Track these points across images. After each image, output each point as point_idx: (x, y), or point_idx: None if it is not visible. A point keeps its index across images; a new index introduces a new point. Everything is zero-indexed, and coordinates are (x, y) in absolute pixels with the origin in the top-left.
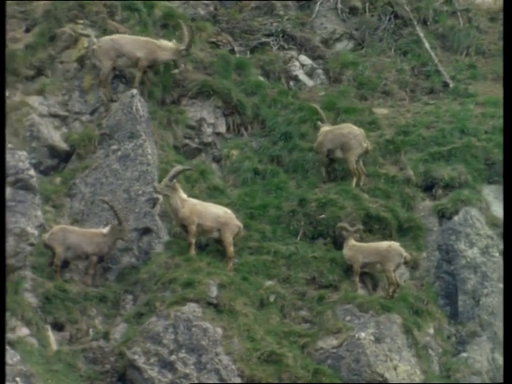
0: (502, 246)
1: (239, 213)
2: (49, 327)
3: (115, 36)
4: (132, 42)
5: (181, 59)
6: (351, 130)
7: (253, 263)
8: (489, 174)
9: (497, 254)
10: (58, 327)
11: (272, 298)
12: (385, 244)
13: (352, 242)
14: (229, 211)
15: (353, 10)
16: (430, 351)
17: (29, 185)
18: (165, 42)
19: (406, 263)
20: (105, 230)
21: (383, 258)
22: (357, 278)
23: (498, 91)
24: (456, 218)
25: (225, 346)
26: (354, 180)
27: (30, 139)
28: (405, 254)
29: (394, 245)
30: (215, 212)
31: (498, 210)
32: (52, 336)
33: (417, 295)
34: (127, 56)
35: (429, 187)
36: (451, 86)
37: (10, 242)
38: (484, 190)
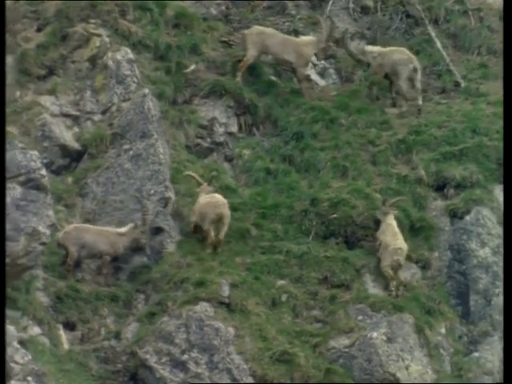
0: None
1: (251, 212)
2: (60, 326)
3: (268, 30)
4: (280, 43)
5: (321, 52)
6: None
7: (265, 263)
8: (500, 173)
9: None
10: (69, 326)
11: (284, 298)
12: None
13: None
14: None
15: (364, 10)
16: (442, 351)
17: (40, 184)
18: (305, 38)
19: (416, 262)
20: (123, 230)
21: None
22: None
23: None
24: (467, 217)
25: (237, 346)
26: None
27: (42, 139)
28: (396, 257)
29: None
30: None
31: None
32: (64, 335)
33: (428, 295)
34: (274, 55)
35: (440, 187)
36: (463, 85)
37: (22, 241)
38: (495, 189)
